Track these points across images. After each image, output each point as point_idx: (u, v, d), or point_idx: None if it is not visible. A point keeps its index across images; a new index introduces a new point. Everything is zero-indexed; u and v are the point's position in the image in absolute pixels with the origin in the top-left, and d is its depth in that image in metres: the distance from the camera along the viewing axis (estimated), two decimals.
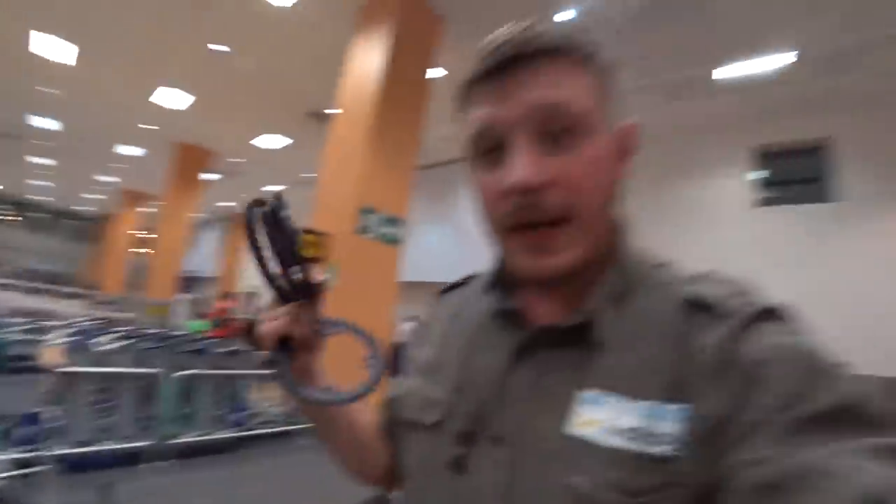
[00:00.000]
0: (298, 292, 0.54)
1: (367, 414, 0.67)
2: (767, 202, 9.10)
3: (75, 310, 13.92)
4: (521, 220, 0.46)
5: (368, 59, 6.46)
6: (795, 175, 9.05)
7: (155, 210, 20.14)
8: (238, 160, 14.54)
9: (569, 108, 0.44)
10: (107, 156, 15.20)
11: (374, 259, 5.99)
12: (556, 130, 0.44)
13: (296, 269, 0.54)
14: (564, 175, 0.44)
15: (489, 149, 0.47)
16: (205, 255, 22.94)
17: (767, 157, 9.26)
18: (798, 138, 8.90)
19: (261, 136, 12.35)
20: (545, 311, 0.53)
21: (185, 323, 9.18)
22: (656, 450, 0.38)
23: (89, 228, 27.61)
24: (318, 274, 0.55)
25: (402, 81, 6.42)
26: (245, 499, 3.39)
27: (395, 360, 6.73)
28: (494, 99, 0.46)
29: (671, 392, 0.41)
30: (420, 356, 0.64)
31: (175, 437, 3.77)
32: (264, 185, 16.99)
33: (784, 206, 8.85)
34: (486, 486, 0.46)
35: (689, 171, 9.83)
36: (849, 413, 0.34)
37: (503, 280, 0.57)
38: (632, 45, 7.03)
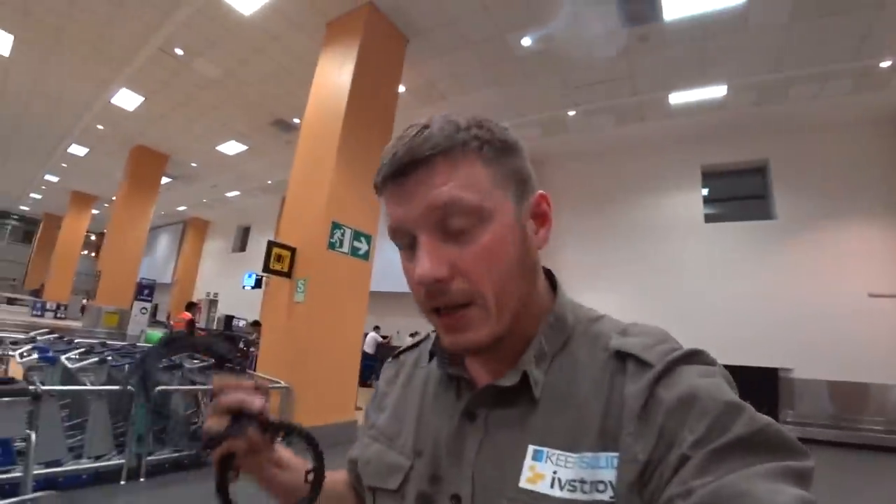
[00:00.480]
0: (233, 428, 0.51)
1: (332, 475, 0.70)
2: (714, 219, 9.76)
3: (18, 317, 13.22)
4: (433, 305, 0.49)
5: (336, 76, 6.55)
6: (738, 194, 9.75)
7: (105, 213, 19.35)
8: (195, 165, 14.22)
9: (462, 204, 0.47)
10: (55, 155, 14.51)
11: (345, 273, 6.13)
12: (455, 224, 0.47)
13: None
14: (464, 266, 0.47)
15: (404, 240, 0.51)
16: (159, 261, 22.16)
17: (713, 176, 9.92)
18: (739, 160, 9.59)
19: (223, 143, 12.14)
20: (486, 373, 0.55)
21: (145, 332, 8.94)
22: (598, 498, 0.41)
23: (35, 230, 26.06)
24: (256, 402, 0.52)
25: (369, 98, 6.55)
26: None
27: (362, 369, 6.86)
28: (399, 200, 0.49)
29: (604, 441, 0.44)
30: (378, 422, 0.66)
31: (150, 453, 3.81)
32: (224, 190, 16.68)
33: (728, 223, 9.51)
34: None
35: (646, 188, 10.40)
36: (760, 440, 0.37)
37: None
38: (587, 70, 7.47)
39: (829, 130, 8.68)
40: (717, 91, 7.81)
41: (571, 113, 8.85)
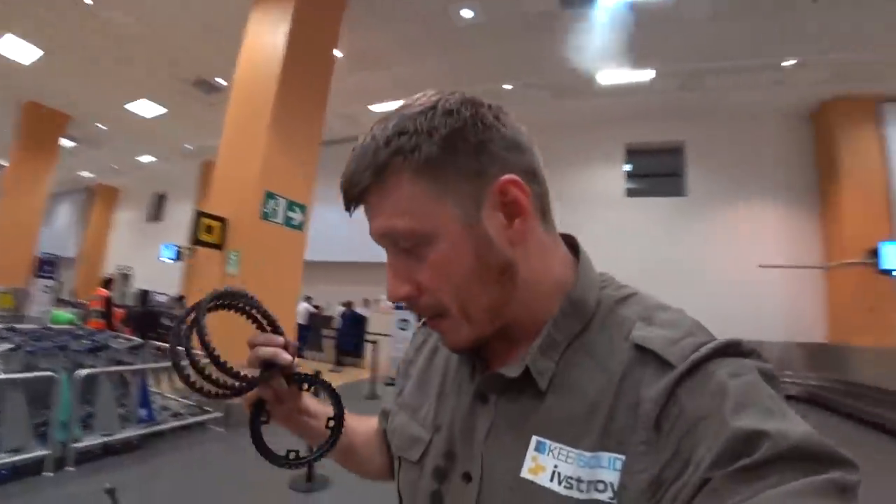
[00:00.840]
0: (261, 376, 0.53)
1: (364, 422, 0.74)
2: (635, 193, 10.48)
3: None
4: (415, 313, 0.52)
5: (269, 37, 6.17)
6: (657, 171, 10.52)
7: None
8: (103, 126, 12.91)
9: (398, 231, 0.46)
10: None
11: (278, 244, 5.95)
12: (404, 244, 0.47)
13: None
14: (424, 283, 0.48)
15: None
16: (60, 233, 20.06)
17: (636, 154, 10.60)
18: (661, 139, 10.30)
19: (135, 102, 11.12)
20: (500, 353, 0.54)
21: (50, 313, 8.12)
22: (596, 497, 0.40)
23: None
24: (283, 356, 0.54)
25: (305, 62, 6.25)
26: (160, 496, 3.33)
27: (299, 339, 6.75)
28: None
29: (608, 440, 0.42)
30: (405, 390, 0.67)
31: (76, 441, 3.55)
32: (137, 155, 15.32)
33: (647, 199, 10.28)
34: None
35: (575, 163, 10.82)
36: (796, 452, 0.32)
37: None
38: (525, 46, 7.57)
39: (738, 119, 9.53)
40: (646, 75, 8.27)
41: (508, 87, 8.95)
